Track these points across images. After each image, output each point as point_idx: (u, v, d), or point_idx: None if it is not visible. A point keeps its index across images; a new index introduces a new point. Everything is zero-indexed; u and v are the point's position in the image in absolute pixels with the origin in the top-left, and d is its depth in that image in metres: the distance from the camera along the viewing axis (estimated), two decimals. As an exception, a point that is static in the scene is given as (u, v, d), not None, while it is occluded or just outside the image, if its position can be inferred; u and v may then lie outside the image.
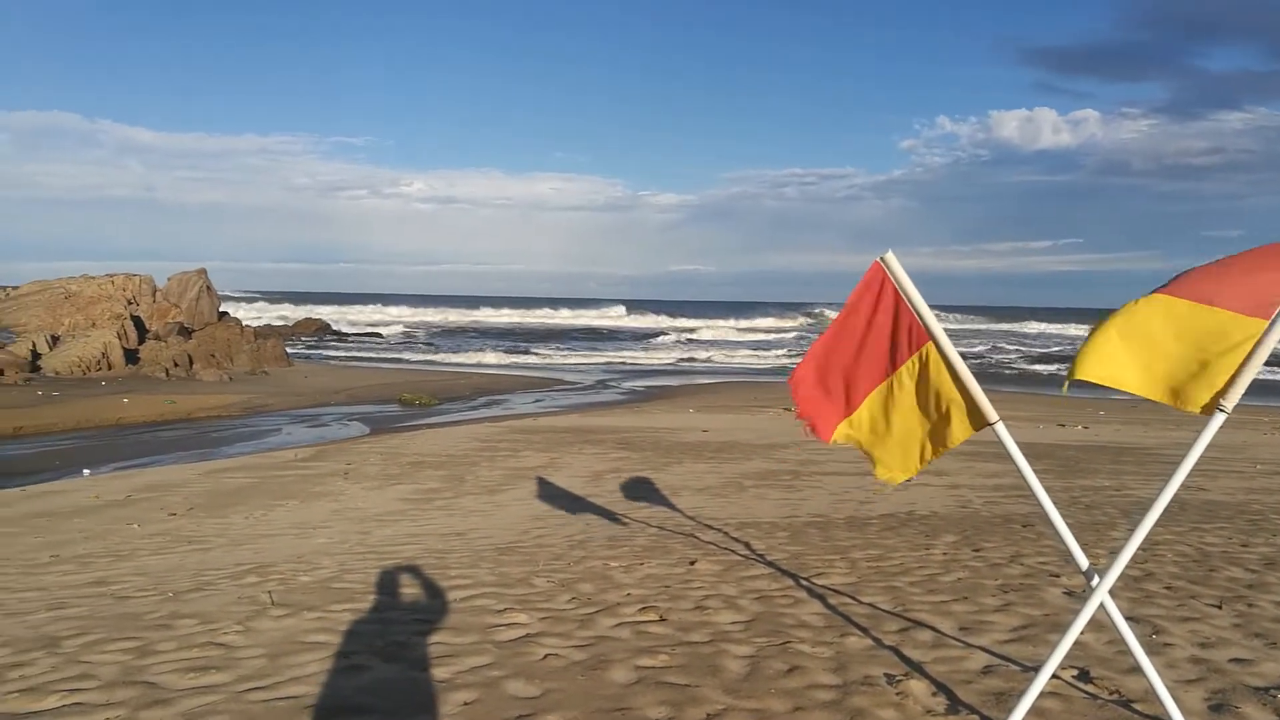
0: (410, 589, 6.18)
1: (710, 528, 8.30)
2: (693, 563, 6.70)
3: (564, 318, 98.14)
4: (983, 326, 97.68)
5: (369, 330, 74.35)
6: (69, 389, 26.91)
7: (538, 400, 30.20)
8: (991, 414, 3.22)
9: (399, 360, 49.11)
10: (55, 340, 34.41)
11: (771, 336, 75.94)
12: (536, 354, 56.24)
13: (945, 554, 6.96)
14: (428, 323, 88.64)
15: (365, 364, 45.29)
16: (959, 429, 3.30)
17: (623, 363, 51.03)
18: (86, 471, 15.82)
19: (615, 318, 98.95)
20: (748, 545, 7.39)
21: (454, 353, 55.53)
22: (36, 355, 31.67)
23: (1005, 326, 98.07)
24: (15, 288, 50.46)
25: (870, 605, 5.52)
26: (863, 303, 3.40)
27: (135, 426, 22.43)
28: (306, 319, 77.88)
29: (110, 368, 32.59)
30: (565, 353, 57.79)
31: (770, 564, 6.68)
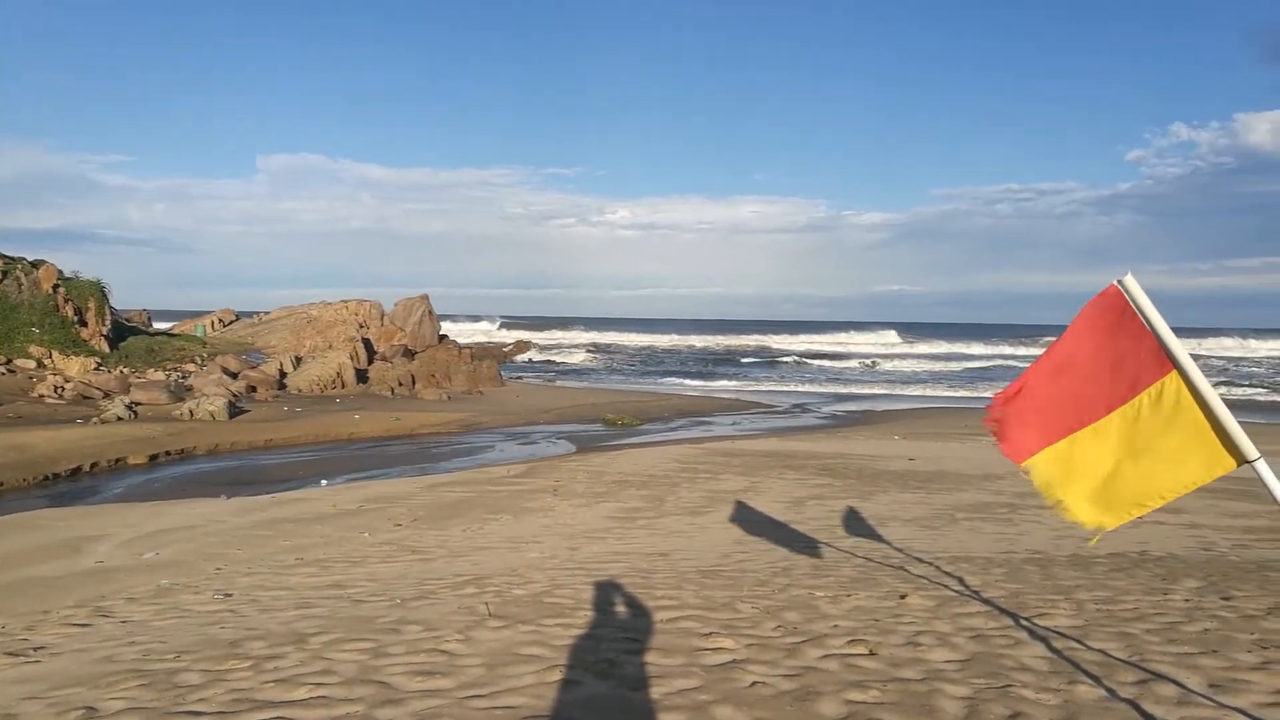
0: (618, 607, 6.32)
1: (920, 560, 7.99)
2: (903, 596, 6.47)
3: (763, 340, 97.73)
4: (1223, 354, 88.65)
5: (576, 352, 77.04)
6: (309, 405, 29.53)
7: (736, 423, 30.19)
8: (1251, 450, 2.92)
9: (603, 381, 50.57)
10: (298, 361, 37.88)
11: (983, 361, 72.29)
12: (734, 376, 56.30)
13: (1188, 600, 6.35)
14: (630, 345, 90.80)
15: (571, 384, 46.96)
16: (1207, 467, 3.02)
17: (823, 386, 50.15)
18: (324, 482, 17.27)
19: (814, 340, 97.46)
20: (961, 581, 7.04)
21: (654, 375, 56.55)
22: (283, 374, 34.99)
23: (1270, 347, 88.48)
24: (267, 313, 56.00)
25: (1101, 652, 5.11)
26: (1094, 328, 3.18)
27: (365, 441, 24.28)
28: (518, 341, 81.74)
29: (344, 386, 35.48)
30: (764, 375, 57.51)
31: (986, 601, 6.34)
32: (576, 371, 58.70)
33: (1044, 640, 5.35)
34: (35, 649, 6.14)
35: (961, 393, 46.73)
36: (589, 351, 78.61)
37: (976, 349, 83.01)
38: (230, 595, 7.49)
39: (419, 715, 4.31)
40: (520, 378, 48.40)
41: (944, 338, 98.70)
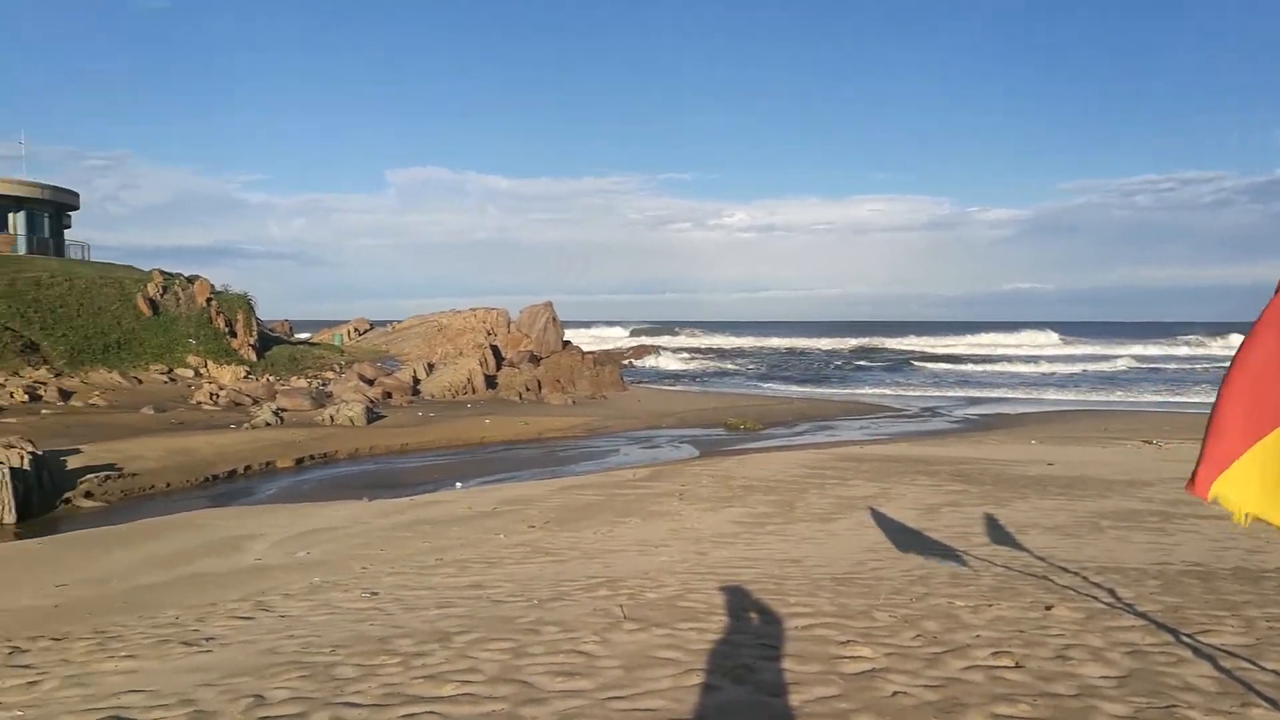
0: (751, 613, 6.31)
1: (1065, 570, 7.66)
2: (1049, 607, 6.22)
3: (886, 341, 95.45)
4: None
5: (694, 356, 77.15)
6: (442, 410, 30.56)
7: (863, 427, 29.62)
8: None
9: (723, 385, 50.48)
10: (431, 368, 39.27)
11: (1122, 362, 68.62)
12: (858, 379, 55.24)
13: (1372, 619, 5.88)
14: (750, 348, 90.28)
15: (692, 389, 47.04)
16: None
17: (951, 389, 48.63)
18: (459, 484, 17.86)
19: (940, 342, 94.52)
20: (1112, 592, 6.72)
21: (775, 379, 56.04)
22: (417, 381, 36.35)
23: None
24: (400, 322, 58.29)
25: (1275, 674, 4.80)
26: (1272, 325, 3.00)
27: (495, 445, 24.97)
28: (639, 346, 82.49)
29: (474, 392, 36.58)
30: (888, 377, 56.20)
31: (1141, 615, 6.03)
32: (696, 376, 58.76)
33: (1210, 659, 5.05)
34: (206, 639, 6.58)
35: (1098, 396, 44.51)
36: (708, 356, 78.57)
37: (1115, 349, 78.83)
38: (377, 594, 7.83)
39: (561, 715, 4.42)
40: (641, 382, 48.80)
41: (1079, 336, 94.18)
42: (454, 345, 47.97)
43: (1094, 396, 43.78)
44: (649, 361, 70.39)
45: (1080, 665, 4.93)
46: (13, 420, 22.67)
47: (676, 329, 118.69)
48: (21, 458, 15.52)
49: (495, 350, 43.40)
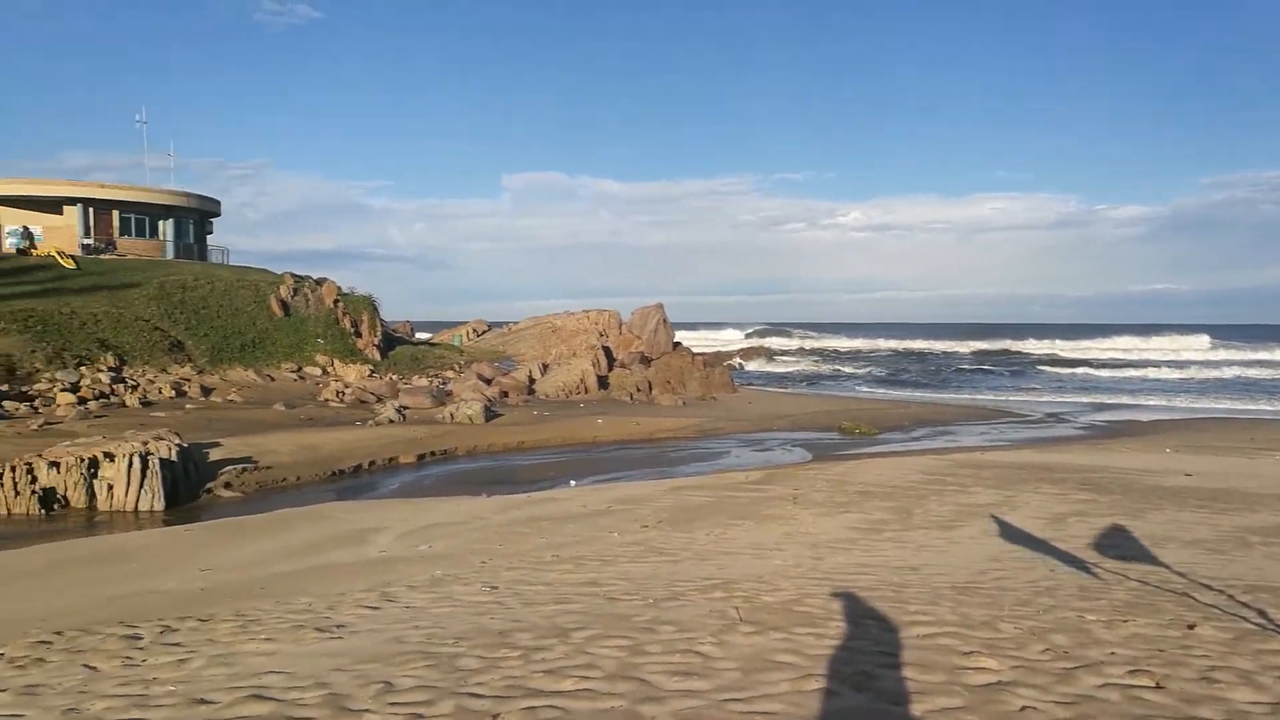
0: (870, 620, 6.20)
1: (1208, 588, 7.25)
2: (1191, 626, 5.90)
3: (1009, 344, 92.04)
4: None
5: (807, 358, 76.21)
6: (556, 410, 31.09)
7: (983, 432, 28.66)
8: None
9: (836, 388, 49.66)
10: (545, 368, 39.99)
11: (1274, 369, 64.27)
12: (978, 383, 53.47)
13: None
14: (864, 350, 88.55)
15: (804, 391, 46.45)
16: None
17: (1076, 394, 46.56)
18: (573, 483, 18.13)
19: (1065, 346, 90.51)
20: (1262, 613, 6.32)
21: (890, 382, 54.80)
22: (532, 380, 37.08)
23: None
24: (515, 324, 59.60)
25: None
26: None
27: (607, 444, 25.23)
28: (749, 348, 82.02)
29: (586, 391, 37.06)
30: (1010, 382, 54.21)
31: (1295, 638, 5.66)
32: (808, 378, 57.98)
33: (1373, 686, 4.71)
34: (337, 626, 6.88)
35: (1243, 404, 41.82)
36: (821, 358, 77.44)
37: (1264, 354, 73.87)
38: (496, 588, 8.03)
39: (678, 714, 4.44)
40: (752, 384, 48.48)
41: (1229, 340, 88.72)
42: (567, 346, 48.72)
43: (1238, 405, 41.17)
44: (760, 363, 69.89)
45: (1229, 689, 4.66)
46: (161, 414, 24.18)
47: (789, 330, 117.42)
48: (170, 449, 16.56)
49: (607, 351, 43.85)
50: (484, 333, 60.80)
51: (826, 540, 10.26)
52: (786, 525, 11.47)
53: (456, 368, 41.91)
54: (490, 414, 27.86)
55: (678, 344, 51.64)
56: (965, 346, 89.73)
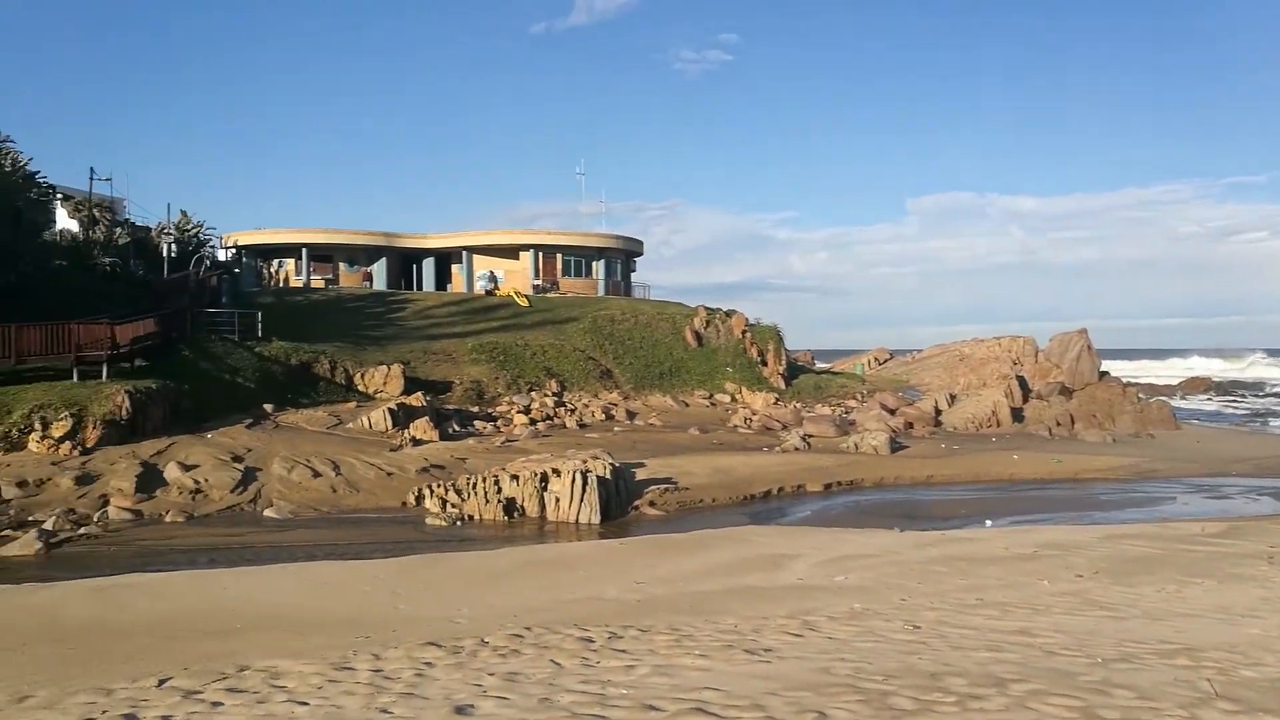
0: (1396, 716, 5.11)
1: None
2: None
3: None
4: None
5: (1271, 388, 64.92)
6: (964, 443, 29.60)
7: None
8: None
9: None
10: (953, 398, 38.27)
11: None
12: None
13: None
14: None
15: (1273, 429, 39.58)
16: None
17: None
18: (989, 522, 17.11)
19: None
20: None
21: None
22: (938, 411, 35.70)
23: None
24: (918, 351, 57.85)
25: None
26: None
27: (1025, 483, 23.47)
28: (1192, 378, 71.86)
29: (998, 424, 34.83)
30: None
31: None
32: (1276, 414, 49.29)
33: None
34: (764, 650, 7.14)
35: None
36: (1292, 390, 65.47)
37: None
38: (919, 627, 7.82)
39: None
40: (1196, 420, 42.34)
41: None
42: (976, 375, 46.22)
43: None
44: (1208, 396, 60.84)
45: None
46: (594, 435, 26.92)
47: (1246, 356, 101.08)
48: (604, 468, 18.37)
49: (1021, 381, 40.90)
50: (886, 361, 59.76)
51: (1320, 611, 8.63)
52: (1263, 588, 9.83)
53: (859, 397, 41.65)
54: (895, 445, 27.27)
55: (1104, 373, 46.74)
56: None
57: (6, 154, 29.11)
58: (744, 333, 41.68)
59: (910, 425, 33.24)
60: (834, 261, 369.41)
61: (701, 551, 13.15)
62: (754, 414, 33.68)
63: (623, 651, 7.37)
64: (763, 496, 20.35)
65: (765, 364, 40.79)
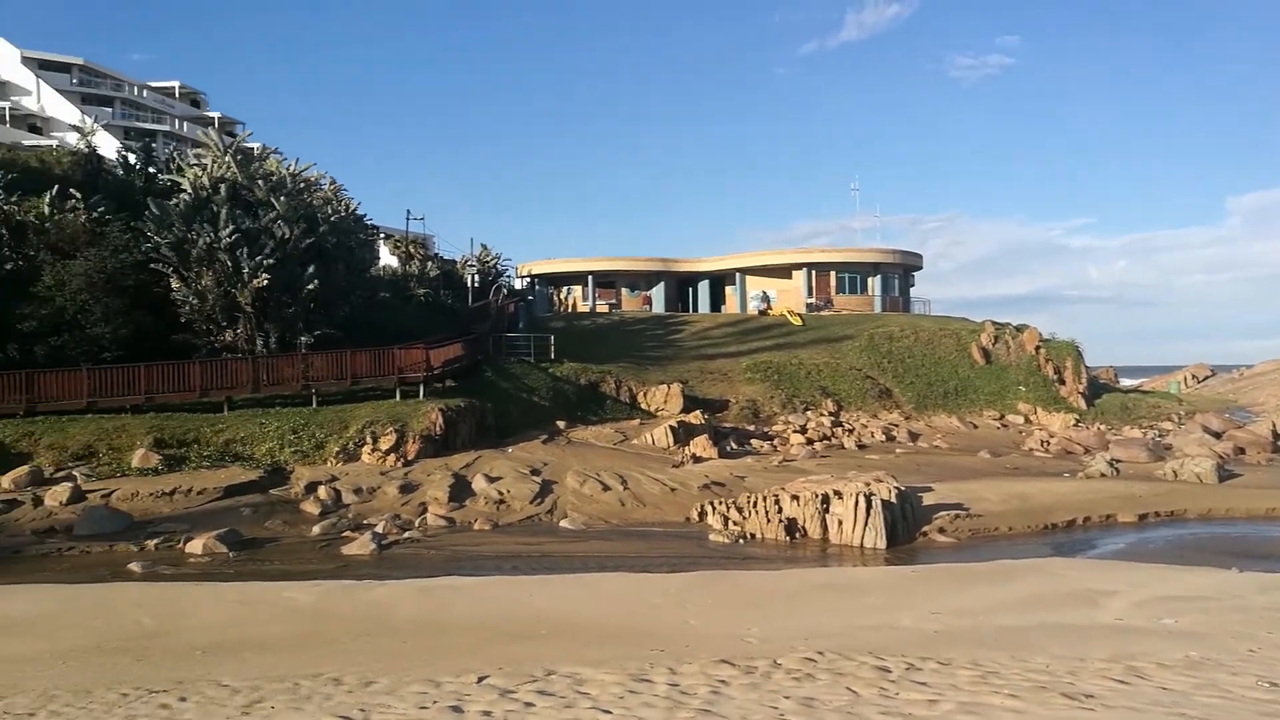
0: None
1: None
2: None
3: None
4: None
5: None
6: (1314, 472, 25.57)
7: None
8: None
9: None
10: (1295, 420, 33.32)
11: None
12: None
13: None
14: None
15: None
16: None
17: None
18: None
19: None
20: None
21: None
22: (1276, 435, 31.21)
23: None
24: (1248, 367, 51.06)
25: None
26: None
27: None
28: None
29: (1358, 451, 29.83)
30: None
31: None
32: None
33: None
34: (1085, 695, 6.52)
35: None
36: None
37: None
38: (1278, 685, 6.81)
39: None
40: None
41: None
42: (1325, 394, 40.01)
43: None
44: None
45: None
46: (874, 457, 26.11)
47: None
48: (889, 491, 17.73)
49: (1388, 401, 34.86)
50: (1206, 378, 53.28)
51: None
52: None
53: (1174, 418, 37.39)
54: (1224, 473, 24.11)
55: None
56: None
57: (342, 201, 33.31)
58: (1037, 349, 38.78)
59: (1241, 450, 29.35)
60: (1135, 269, 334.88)
61: (1003, 582, 12.30)
62: (1051, 436, 31.20)
63: (923, 685, 7.02)
64: (1065, 526, 18.71)
65: (1062, 382, 37.68)
